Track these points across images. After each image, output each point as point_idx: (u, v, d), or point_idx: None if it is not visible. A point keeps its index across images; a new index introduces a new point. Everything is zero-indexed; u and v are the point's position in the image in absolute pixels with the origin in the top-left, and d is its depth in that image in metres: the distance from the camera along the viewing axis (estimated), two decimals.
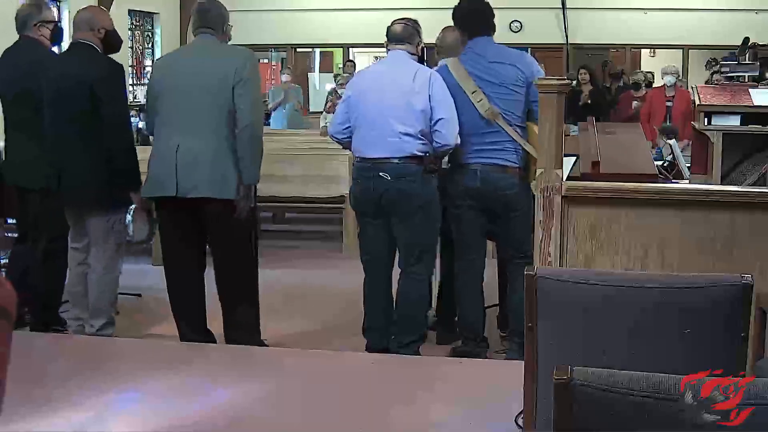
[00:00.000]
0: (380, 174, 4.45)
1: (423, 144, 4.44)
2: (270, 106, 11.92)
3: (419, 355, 4.59)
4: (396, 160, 4.43)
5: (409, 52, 4.59)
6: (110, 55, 4.77)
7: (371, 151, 4.49)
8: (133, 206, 4.69)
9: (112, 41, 4.79)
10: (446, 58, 4.97)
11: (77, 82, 4.53)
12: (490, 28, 4.71)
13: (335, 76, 12.80)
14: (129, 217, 4.68)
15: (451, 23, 4.84)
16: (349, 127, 4.59)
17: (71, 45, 4.82)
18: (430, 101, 4.39)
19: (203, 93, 4.38)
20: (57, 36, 5.05)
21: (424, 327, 4.78)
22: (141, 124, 9.64)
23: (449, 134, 4.41)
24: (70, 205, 4.74)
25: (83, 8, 4.88)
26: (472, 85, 4.52)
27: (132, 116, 9.69)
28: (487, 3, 4.74)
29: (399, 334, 4.63)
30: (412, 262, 4.58)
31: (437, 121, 4.40)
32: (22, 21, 4.89)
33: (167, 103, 4.47)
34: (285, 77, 12.38)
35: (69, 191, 4.65)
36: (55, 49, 5.15)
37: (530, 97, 4.43)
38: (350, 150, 4.72)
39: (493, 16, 4.72)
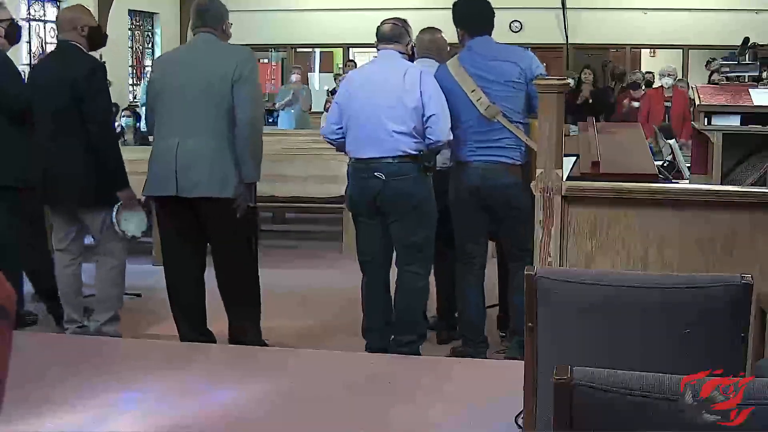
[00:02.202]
0: (375, 174, 4.45)
1: (416, 142, 4.45)
2: (278, 105, 11.92)
3: (419, 354, 4.60)
4: (390, 160, 4.44)
5: (399, 52, 4.60)
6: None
7: (365, 151, 4.49)
8: (119, 204, 4.69)
9: (96, 37, 4.80)
10: (421, 58, 4.97)
11: (59, 82, 4.55)
12: (489, 27, 4.71)
13: (335, 76, 12.79)
14: (114, 216, 4.67)
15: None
16: (342, 127, 4.59)
17: (56, 46, 4.84)
18: (421, 98, 4.40)
19: (202, 92, 4.38)
20: (14, 34, 5.02)
21: (424, 326, 4.79)
22: (123, 122, 9.58)
23: (441, 130, 4.42)
24: (59, 205, 4.74)
25: (65, 8, 4.89)
26: (471, 84, 4.53)
27: (128, 116, 9.70)
28: (487, 2, 4.75)
29: (398, 333, 4.63)
30: (410, 261, 4.59)
31: (429, 118, 4.41)
32: None
33: (167, 102, 4.48)
34: (294, 77, 12.36)
35: (58, 190, 4.66)
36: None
37: (531, 93, 4.43)
38: (343, 151, 4.72)
39: (493, 15, 4.72)
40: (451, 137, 4.49)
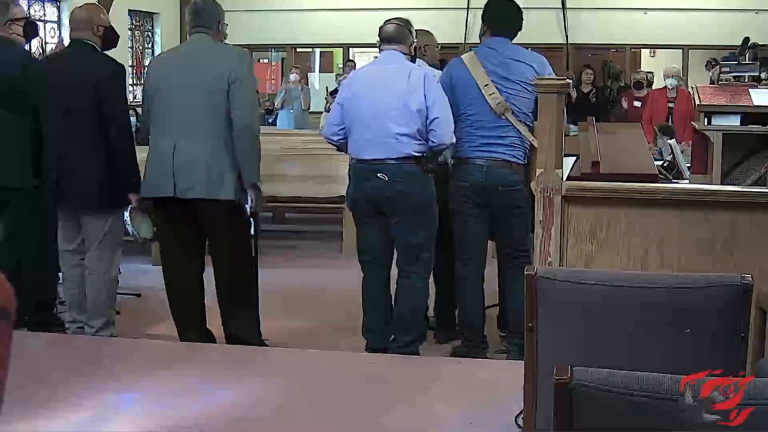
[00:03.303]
0: (378, 175, 4.44)
1: (419, 144, 4.44)
2: (276, 104, 11.92)
3: (419, 354, 4.59)
4: (393, 161, 4.43)
5: (402, 53, 4.59)
6: (110, 53, 4.78)
7: (367, 152, 4.48)
8: (131, 206, 4.68)
9: (111, 38, 4.80)
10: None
11: (80, 82, 4.53)
12: (512, 32, 4.72)
13: (336, 76, 12.78)
14: (127, 217, 4.67)
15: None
16: (344, 128, 4.58)
17: (71, 44, 4.81)
18: (425, 101, 4.40)
19: (199, 93, 4.37)
20: (31, 32, 5.02)
21: (423, 327, 4.78)
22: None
23: (445, 133, 4.41)
24: (67, 205, 4.73)
25: (79, 7, 4.87)
26: (485, 78, 4.54)
27: (132, 116, 9.70)
28: (518, 8, 4.75)
29: (398, 334, 4.63)
30: (410, 261, 4.58)
31: (433, 121, 4.40)
32: None
33: (163, 103, 4.47)
34: (293, 77, 12.34)
35: (66, 191, 4.65)
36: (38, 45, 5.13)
37: None
38: (344, 152, 4.71)
39: (521, 21, 4.74)
40: (454, 140, 4.49)
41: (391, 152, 4.43)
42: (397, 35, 4.59)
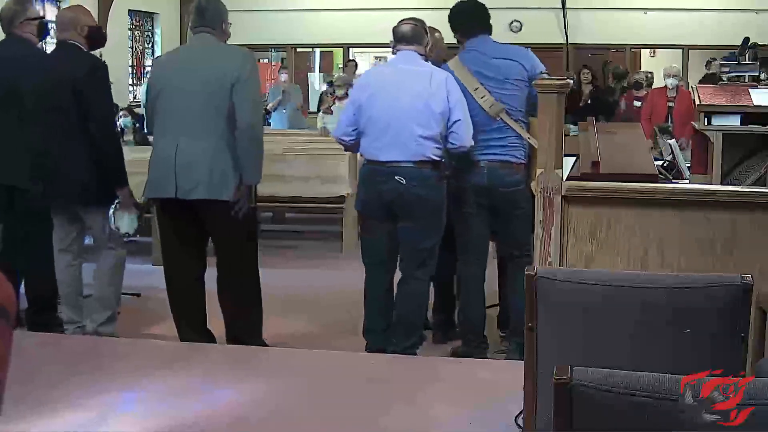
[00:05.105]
0: (396, 178, 4.39)
1: (438, 147, 4.41)
2: (269, 105, 11.92)
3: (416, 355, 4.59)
4: (411, 164, 4.39)
5: (418, 53, 4.54)
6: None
7: (385, 154, 4.42)
8: (118, 201, 4.68)
9: (97, 37, 4.82)
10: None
11: (60, 81, 4.55)
12: (487, 27, 4.71)
13: (329, 83, 12.76)
14: (111, 212, 4.66)
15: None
16: (357, 129, 4.53)
17: (57, 45, 4.85)
18: (447, 102, 4.37)
19: (201, 93, 4.37)
20: (43, 31, 5.07)
21: (422, 330, 4.77)
22: (122, 122, 9.55)
23: (465, 136, 4.39)
24: (60, 204, 4.73)
25: (65, 8, 4.91)
26: (475, 83, 4.53)
27: (126, 116, 9.68)
28: (481, 3, 4.74)
29: (397, 337, 4.60)
30: (415, 266, 4.54)
31: (454, 123, 4.37)
32: (8, 19, 4.91)
33: (165, 103, 4.47)
34: (283, 77, 12.38)
35: (57, 190, 4.66)
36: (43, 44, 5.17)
37: (532, 91, 4.43)
38: (355, 152, 4.67)
39: (488, 15, 4.71)
40: (473, 143, 4.47)
41: (410, 154, 4.38)
42: (413, 35, 4.54)
